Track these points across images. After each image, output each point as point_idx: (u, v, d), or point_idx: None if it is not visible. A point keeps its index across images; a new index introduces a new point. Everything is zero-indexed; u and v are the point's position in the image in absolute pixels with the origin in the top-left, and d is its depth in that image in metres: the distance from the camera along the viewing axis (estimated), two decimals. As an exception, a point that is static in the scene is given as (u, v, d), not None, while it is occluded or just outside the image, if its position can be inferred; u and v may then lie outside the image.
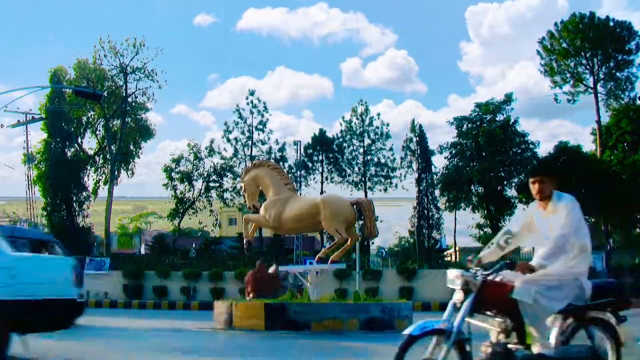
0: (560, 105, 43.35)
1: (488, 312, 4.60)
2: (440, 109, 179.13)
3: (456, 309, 4.50)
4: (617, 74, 39.44)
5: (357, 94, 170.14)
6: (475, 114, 38.21)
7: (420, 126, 41.53)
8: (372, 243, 38.97)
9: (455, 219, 41.56)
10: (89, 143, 43.56)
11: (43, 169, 39.36)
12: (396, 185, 40.63)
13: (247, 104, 39.66)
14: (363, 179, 40.41)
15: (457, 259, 41.82)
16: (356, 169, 40.77)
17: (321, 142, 40.94)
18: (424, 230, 40.85)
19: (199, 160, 41.46)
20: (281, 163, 37.24)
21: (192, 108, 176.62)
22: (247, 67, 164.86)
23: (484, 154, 36.96)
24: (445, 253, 42.92)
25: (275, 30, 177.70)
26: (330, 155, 40.79)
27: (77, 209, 40.03)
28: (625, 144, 38.13)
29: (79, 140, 42.58)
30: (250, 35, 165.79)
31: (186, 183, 41.63)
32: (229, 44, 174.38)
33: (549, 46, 40.46)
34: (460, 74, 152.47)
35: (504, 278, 4.62)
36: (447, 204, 39.61)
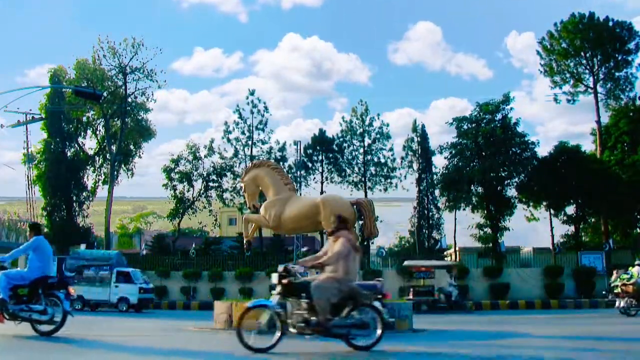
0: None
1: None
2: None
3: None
4: (617, 74, 39.40)
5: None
6: (475, 113, 38.15)
7: (423, 126, 41.53)
8: (372, 243, 38.98)
9: (455, 219, 41.52)
10: (89, 143, 43.59)
11: (43, 169, 39.35)
12: (396, 186, 40.65)
13: (247, 104, 39.71)
14: (363, 179, 40.39)
15: (457, 259, 41.77)
16: (356, 169, 40.76)
17: (321, 142, 40.92)
18: (424, 230, 40.83)
19: (197, 160, 41.49)
20: (281, 163, 37.23)
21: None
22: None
23: (484, 154, 36.91)
24: (445, 253, 42.85)
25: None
26: (330, 155, 40.78)
27: (77, 209, 40.07)
28: (625, 144, 38.14)
29: (79, 140, 42.56)
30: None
31: (185, 183, 41.63)
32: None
33: (548, 46, 40.40)
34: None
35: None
36: (447, 204, 39.53)
